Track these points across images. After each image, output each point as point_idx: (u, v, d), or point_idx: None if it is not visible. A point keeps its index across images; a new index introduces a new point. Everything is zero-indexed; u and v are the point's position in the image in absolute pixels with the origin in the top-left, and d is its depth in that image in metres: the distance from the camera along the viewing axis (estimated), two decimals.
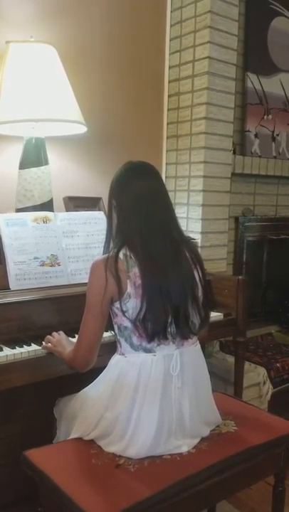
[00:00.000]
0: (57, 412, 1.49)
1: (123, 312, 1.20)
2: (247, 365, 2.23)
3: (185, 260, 1.26)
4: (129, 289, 1.18)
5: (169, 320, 1.20)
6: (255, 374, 2.28)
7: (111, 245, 1.28)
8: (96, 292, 1.20)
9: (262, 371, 2.29)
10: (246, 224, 2.72)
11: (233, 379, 2.06)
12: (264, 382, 2.27)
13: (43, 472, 1.15)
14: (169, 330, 1.21)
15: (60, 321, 1.57)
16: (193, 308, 1.25)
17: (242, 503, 1.80)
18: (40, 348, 1.42)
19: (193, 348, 1.29)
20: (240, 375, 2.04)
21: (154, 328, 1.18)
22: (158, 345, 1.22)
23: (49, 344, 1.41)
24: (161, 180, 1.32)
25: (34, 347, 1.42)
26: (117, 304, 1.21)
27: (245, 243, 2.72)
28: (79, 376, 1.40)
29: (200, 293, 1.28)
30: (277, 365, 2.35)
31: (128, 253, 1.20)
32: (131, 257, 1.20)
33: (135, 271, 1.19)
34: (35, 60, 1.69)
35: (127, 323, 1.21)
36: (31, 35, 1.74)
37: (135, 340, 1.22)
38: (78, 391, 1.44)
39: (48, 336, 1.43)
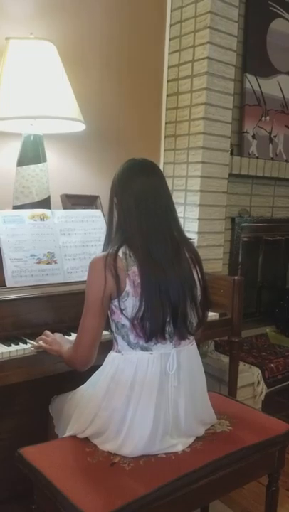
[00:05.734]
0: (52, 409, 1.49)
1: (121, 310, 1.19)
2: (241, 365, 2.23)
3: (184, 260, 1.26)
4: (128, 287, 1.18)
5: (168, 319, 1.20)
6: (250, 374, 2.28)
7: (110, 243, 1.28)
8: (95, 290, 1.20)
9: (256, 371, 2.29)
10: (242, 225, 2.72)
11: (228, 379, 2.06)
12: (258, 383, 2.28)
13: (37, 470, 1.15)
14: (167, 329, 1.21)
15: (56, 319, 1.57)
16: (191, 308, 1.25)
17: (235, 503, 1.81)
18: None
19: (189, 347, 1.29)
20: (234, 375, 2.04)
21: (152, 327, 1.18)
22: (155, 343, 1.22)
23: (42, 343, 1.39)
24: (164, 178, 1.31)
25: (30, 345, 1.42)
26: (115, 302, 1.21)
27: (241, 244, 2.73)
28: (74, 374, 1.39)
29: (198, 293, 1.28)
30: (272, 365, 2.36)
31: (127, 251, 1.20)
32: (130, 256, 1.19)
33: (134, 269, 1.18)
34: (34, 57, 1.68)
35: (125, 321, 1.21)
36: (31, 31, 1.74)
37: (132, 338, 1.22)
38: (74, 389, 1.44)
39: (42, 336, 1.42)
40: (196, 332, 1.29)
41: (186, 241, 1.30)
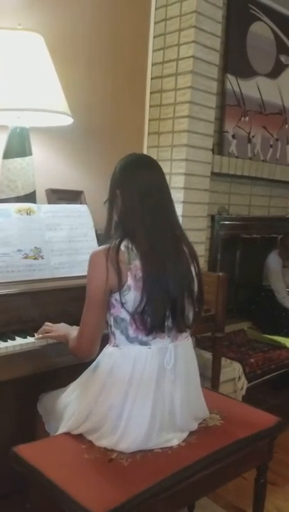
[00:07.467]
0: (41, 407, 1.46)
1: (122, 304, 1.18)
2: (223, 360, 2.26)
3: (183, 255, 1.27)
4: (130, 281, 1.17)
5: (167, 313, 1.20)
6: (231, 369, 2.32)
7: (111, 236, 1.26)
8: (97, 284, 1.19)
9: (237, 366, 2.33)
10: (221, 222, 2.76)
11: (210, 374, 2.09)
12: (239, 378, 2.32)
13: (35, 468, 1.13)
14: (166, 323, 1.21)
15: (43, 315, 1.54)
16: (188, 302, 1.26)
17: (219, 497, 1.83)
18: (25, 342, 1.39)
19: (186, 341, 1.30)
20: (217, 370, 2.07)
21: (153, 321, 1.18)
22: (154, 338, 1.22)
23: (46, 333, 1.39)
24: (164, 174, 1.31)
25: (19, 341, 1.39)
26: (116, 296, 1.20)
27: (220, 241, 2.76)
28: (62, 371, 1.38)
29: (196, 287, 1.29)
30: (252, 360, 2.40)
31: (130, 245, 1.19)
32: (132, 249, 1.19)
33: (136, 263, 1.18)
34: (22, 48, 1.65)
35: (125, 315, 1.20)
36: (19, 22, 1.70)
37: (131, 332, 1.21)
38: (62, 386, 1.42)
39: (44, 328, 1.42)
40: (192, 325, 1.30)
41: (185, 236, 1.31)
